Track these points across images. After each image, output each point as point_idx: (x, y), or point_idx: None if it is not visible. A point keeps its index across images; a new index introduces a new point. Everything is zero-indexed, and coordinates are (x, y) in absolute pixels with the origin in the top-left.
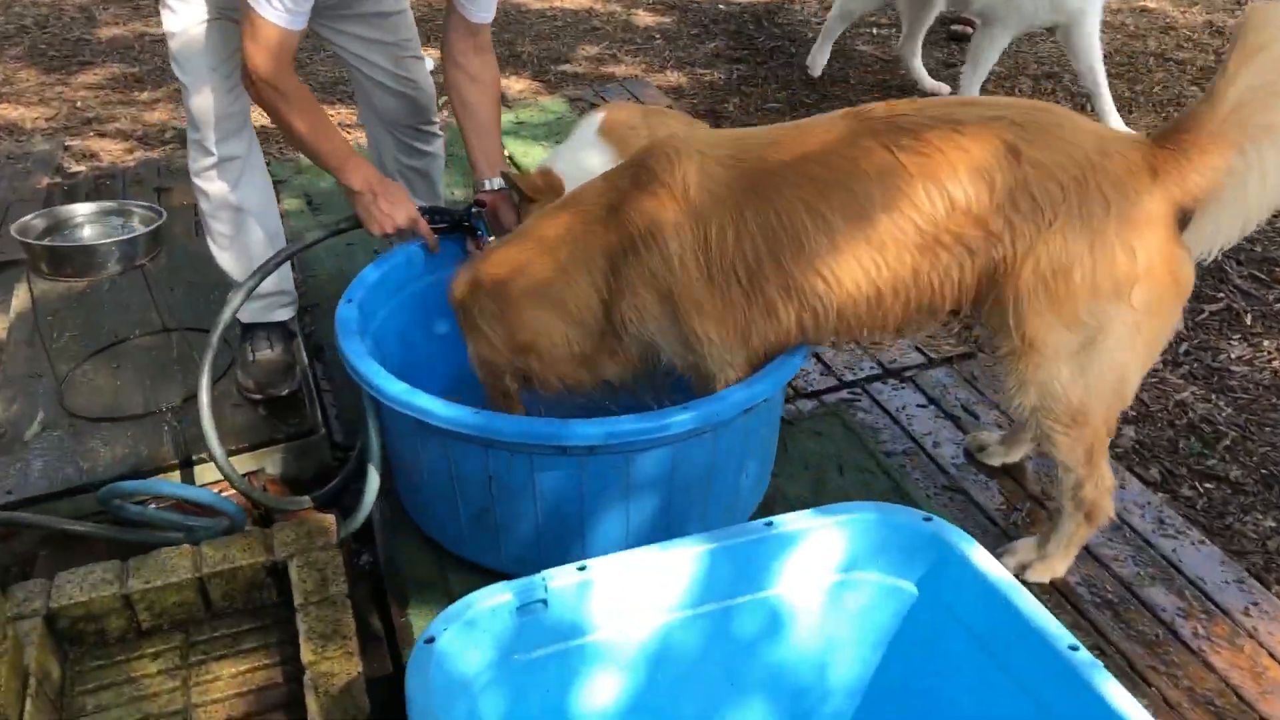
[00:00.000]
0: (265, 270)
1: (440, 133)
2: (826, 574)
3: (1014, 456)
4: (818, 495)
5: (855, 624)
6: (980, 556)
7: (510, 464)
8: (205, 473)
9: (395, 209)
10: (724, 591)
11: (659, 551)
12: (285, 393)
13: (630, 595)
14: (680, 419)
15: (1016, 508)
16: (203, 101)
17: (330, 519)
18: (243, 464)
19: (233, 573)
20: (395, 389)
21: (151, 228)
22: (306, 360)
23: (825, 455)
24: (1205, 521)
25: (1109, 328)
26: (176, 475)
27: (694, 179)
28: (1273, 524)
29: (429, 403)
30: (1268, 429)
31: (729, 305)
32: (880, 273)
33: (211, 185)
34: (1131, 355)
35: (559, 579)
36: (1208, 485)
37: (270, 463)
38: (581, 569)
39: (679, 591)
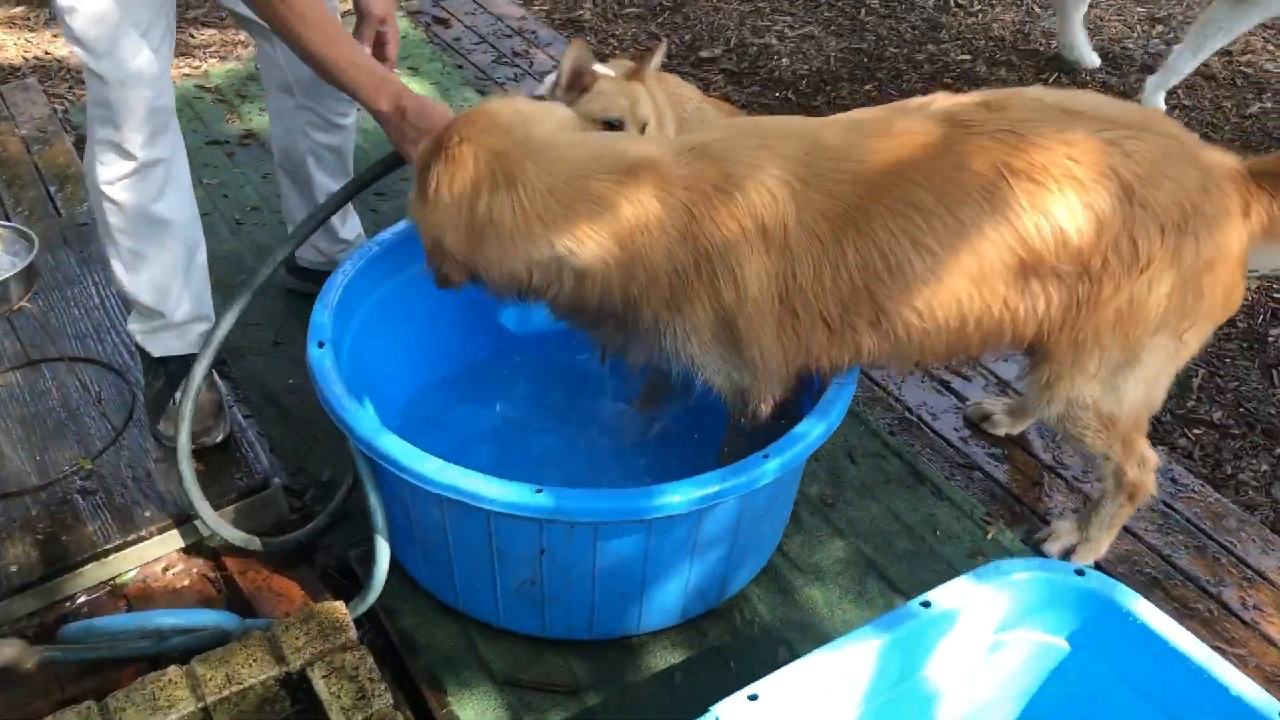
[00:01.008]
0: (300, 236)
1: None
2: (979, 640)
3: (1020, 426)
4: (838, 489)
5: (1004, 685)
6: (1145, 610)
7: (570, 536)
8: (148, 550)
9: (430, 123)
10: (887, 683)
11: (826, 657)
12: (219, 439)
13: (802, 713)
14: (768, 468)
15: (1036, 481)
16: (128, 92)
17: (341, 608)
18: (188, 534)
19: (241, 695)
20: (428, 467)
21: (25, 264)
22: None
23: (832, 442)
24: (1206, 472)
25: (1151, 356)
26: (115, 560)
27: (790, 212)
28: (1268, 468)
29: (478, 484)
30: (1228, 361)
31: (803, 337)
32: (971, 304)
33: (127, 196)
34: (1165, 373)
35: (729, 713)
36: (1196, 431)
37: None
38: (753, 699)
39: (847, 696)
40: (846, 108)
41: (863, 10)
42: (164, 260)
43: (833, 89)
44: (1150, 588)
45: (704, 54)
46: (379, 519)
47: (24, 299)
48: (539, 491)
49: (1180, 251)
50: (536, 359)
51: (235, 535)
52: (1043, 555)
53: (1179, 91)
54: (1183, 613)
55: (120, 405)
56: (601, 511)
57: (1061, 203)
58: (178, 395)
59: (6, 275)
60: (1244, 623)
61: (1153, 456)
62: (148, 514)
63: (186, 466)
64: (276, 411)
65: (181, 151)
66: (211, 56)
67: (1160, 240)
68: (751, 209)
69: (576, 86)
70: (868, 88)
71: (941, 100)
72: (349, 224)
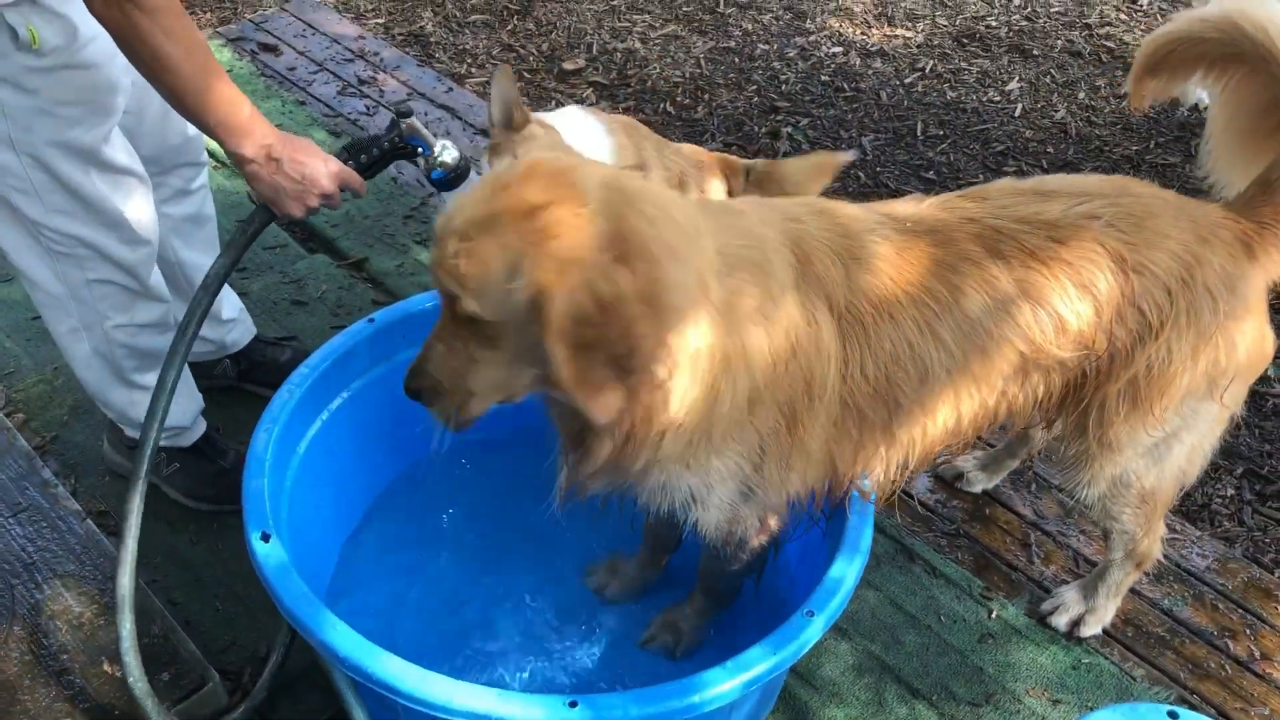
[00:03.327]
0: (193, 332)
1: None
2: None
3: (994, 480)
4: None
5: None
6: None
7: None
8: None
9: (310, 171)
10: None
11: None
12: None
13: None
14: (817, 626)
15: (1023, 541)
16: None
17: None
18: None
19: None
20: (439, 691)
21: None
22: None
23: None
24: (1178, 504)
25: (1194, 423)
26: None
27: (845, 295)
28: (1233, 491)
29: (503, 705)
30: None
31: (839, 440)
32: (970, 403)
33: None
34: (1208, 441)
35: None
36: None
37: None
38: None
39: None
40: (730, 116)
41: (721, 3)
42: None
43: (711, 96)
44: (1162, 649)
45: (567, 65)
46: None
47: None
48: (573, 705)
49: (1195, 308)
50: (481, 470)
51: None
52: (1050, 628)
53: (1051, 71)
54: (1199, 674)
55: None
56: (652, 717)
57: (1055, 288)
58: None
59: None
60: (1257, 675)
61: (1162, 526)
62: None
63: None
64: (183, 571)
65: None
66: None
67: (1169, 302)
68: (819, 275)
69: (511, 125)
70: (748, 93)
71: (928, 199)
72: (228, 301)
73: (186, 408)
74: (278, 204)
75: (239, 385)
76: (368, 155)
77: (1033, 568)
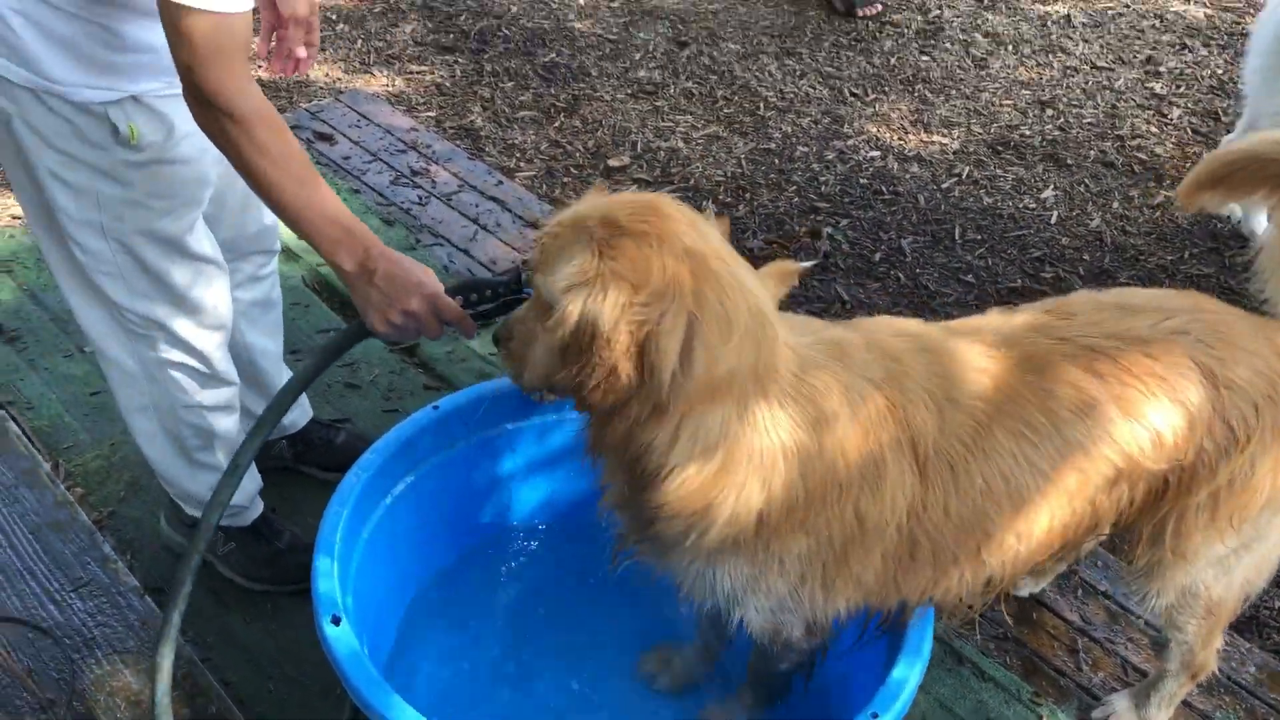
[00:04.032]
0: (272, 420)
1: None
2: None
3: (1041, 584)
4: None
5: None
6: None
7: None
8: None
9: (400, 288)
10: None
11: None
12: None
13: None
14: None
15: (1071, 647)
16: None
17: None
18: None
19: None
20: None
21: None
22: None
23: None
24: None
25: (1266, 534)
26: None
27: (933, 429)
28: None
29: None
30: None
31: (905, 572)
32: (1064, 516)
33: None
34: (1276, 551)
35: None
36: None
37: None
38: None
39: None
40: (771, 215)
41: (761, 105)
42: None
43: (753, 195)
44: None
45: (612, 162)
46: None
47: None
48: None
49: (1279, 423)
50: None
51: None
52: None
53: (1085, 180)
54: None
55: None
56: None
57: (1153, 405)
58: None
59: None
60: None
61: (1220, 638)
62: None
63: None
64: (236, 651)
65: None
66: None
67: (1255, 417)
68: (909, 421)
69: None
70: (788, 193)
71: (1015, 316)
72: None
73: (246, 488)
74: (366, 317)
75: (294, 467)
76: (479, 296)
77: (1081, 674)
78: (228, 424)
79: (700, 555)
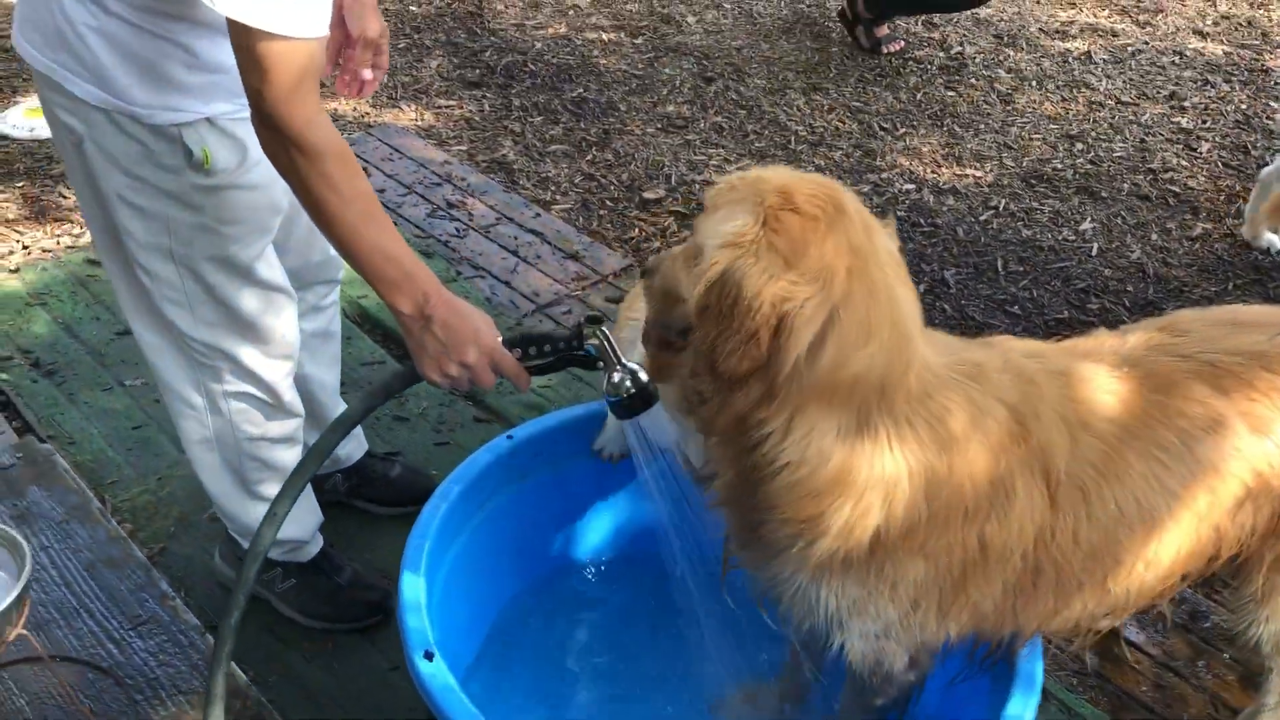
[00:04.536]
0: (324, 453)
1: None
2: None
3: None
4: None
5: None
6: None
7: None
8: None
9: (457, 338)
10: None
11: None
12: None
13: None
14: None
15: (1157, 683)
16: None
17: None
18: None
19: None
20: None
21: (18, 590)
22: None
23: None
24: None
25: None
26: None
27: (1066, 454)
28: None
29: None
30: None
31: (1024, 602)
32: (1188, 543)
33: None
34: None
35: None
36: None
37: None
38: None
39: None
40: None
41: (792, 140)
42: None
43: None
44: None
45: (648, 194)
46: None
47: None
48: None
49: None
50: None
51: None
52: None
53: (1122, 213)
54: None
55: None
56: None
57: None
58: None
59: None
60: None
61: None
62: None
63: None
64: (297, 689)
65: None
66: None
67: None
68: (1041, 446)
69: None
70: None
71: (1128, 336)
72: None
73: (306, 522)
74: (419, 364)
75: (348, 501)
76: (537, 350)
77: (1170, 709)
78: (290, 457)
79: (806, 568)
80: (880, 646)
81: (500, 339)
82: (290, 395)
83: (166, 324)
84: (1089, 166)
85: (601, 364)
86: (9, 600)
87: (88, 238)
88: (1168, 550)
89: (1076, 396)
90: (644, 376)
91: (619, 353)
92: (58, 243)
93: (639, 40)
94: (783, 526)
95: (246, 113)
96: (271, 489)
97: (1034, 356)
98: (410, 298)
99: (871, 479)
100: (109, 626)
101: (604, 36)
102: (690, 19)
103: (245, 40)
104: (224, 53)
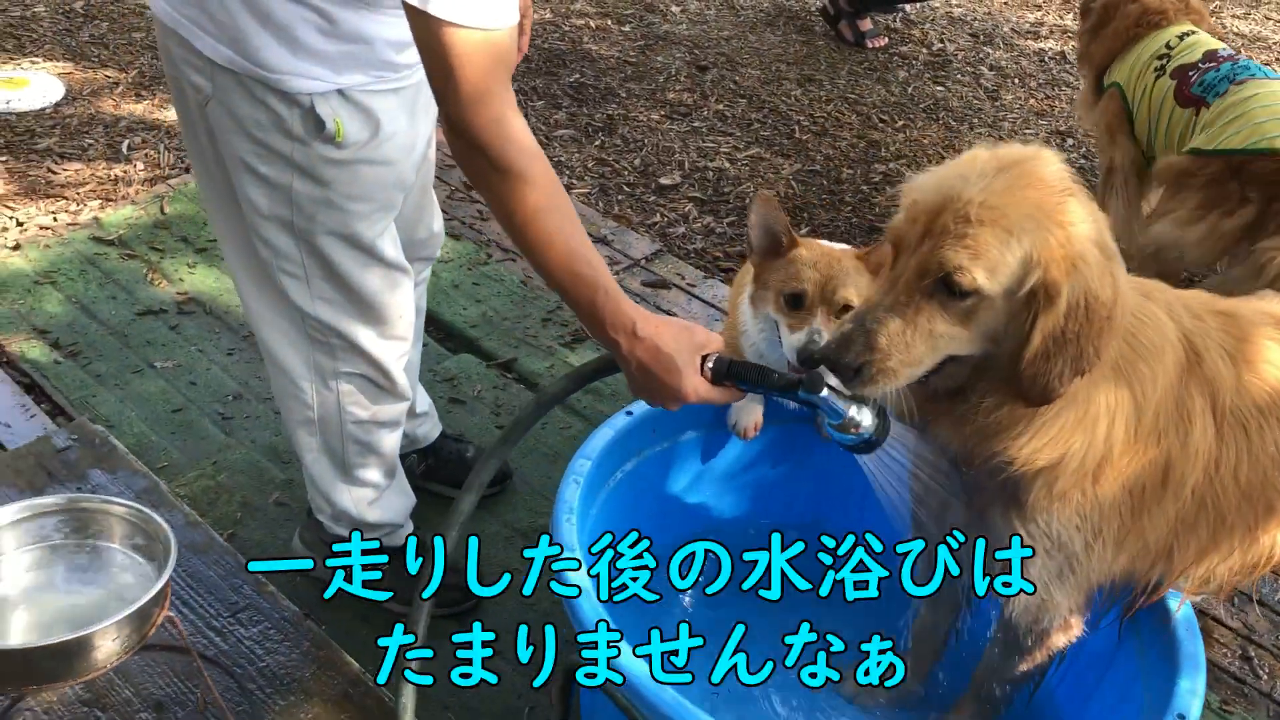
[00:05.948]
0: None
1: None
2: None
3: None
4: None
5: None
6: None
7: None
8: None
9: (674, 377)
10: None
11: None
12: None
13: None
14: None
15: (1244, 655)
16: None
17: None
18: None
19: None
20: None
21: (159, 585)
22: None
23: None
24: None
25: None
26: None
27: (1233, 389)
28: None
29: None
30: None
31: (1184, 540)
32: None
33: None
34: None
35: None
36: None
37: None
38: None
39: None
40: (833, 236)
41: (796, 129)
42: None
43: (811, 215)
44: None
45: (664, 180)
46: None
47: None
48: None
49: None
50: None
51: None
52: None
53: None
54: None
55: None
56: None
57: None
58: None
59: (136, 606)
60: None
61: None
62: None
63: None
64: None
65: None
66: (91, 198)
67: None
68: (1208, 376)
69: (780, 251)
70: (844, 213)
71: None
72: (420, 395)
73: (398, 505)
74: (630, 386)
75: (422, 485)
76: (749, 385)
77: (1261, 681)
78: (392, 441)
79: (1019, 505)
80: (1046, 596)
81: (704, 387)
82: (402, 378)
83: (282, 298)
84: (1083, 161)
85: (820, 410)
86: (158, 585)
87: (88, 215)
88: None
89: (1242, 335)
90: (872, 420)
91: (842, 400)
92: (55, 219)
93: (626, 28)
94: (1009, 466)
95: (381, 85)
96: (372, 474)
97: (1194, 295)
98: (616, 327)
99: (1099, 411)
100: (207, 614)
101: (591, 23)
102: (675, 8)
103: (429, 31)
104: (365, 23)
